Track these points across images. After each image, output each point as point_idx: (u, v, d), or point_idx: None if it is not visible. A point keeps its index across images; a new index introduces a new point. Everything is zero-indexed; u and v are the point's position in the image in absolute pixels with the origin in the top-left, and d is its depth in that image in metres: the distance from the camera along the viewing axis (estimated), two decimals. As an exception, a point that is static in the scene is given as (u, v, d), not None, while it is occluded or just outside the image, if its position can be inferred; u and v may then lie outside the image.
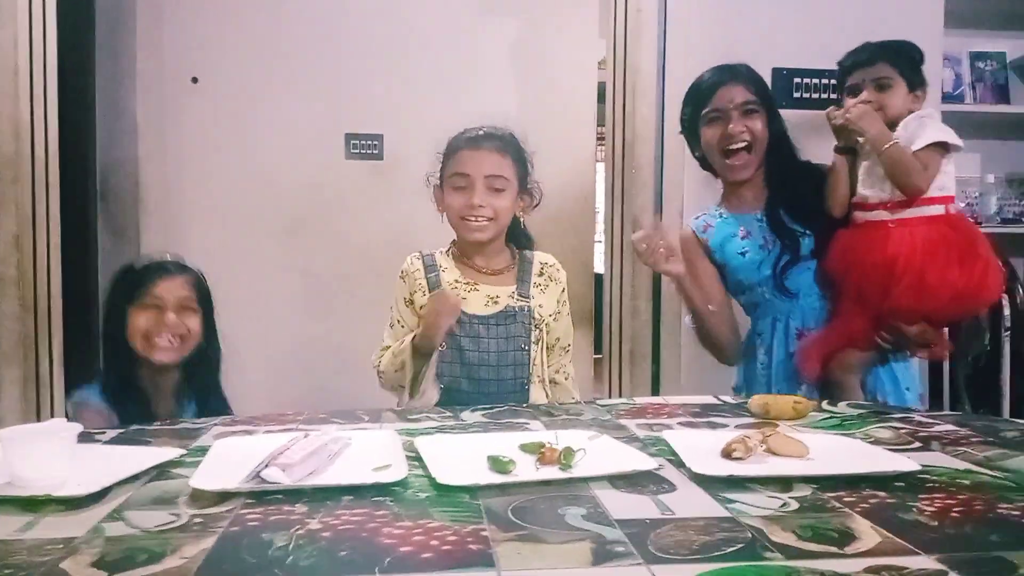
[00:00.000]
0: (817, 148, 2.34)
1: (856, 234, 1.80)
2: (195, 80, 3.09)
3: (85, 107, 2.93)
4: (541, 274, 1.74)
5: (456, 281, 1.67)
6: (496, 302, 1.66)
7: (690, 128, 1.97)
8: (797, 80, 2.36)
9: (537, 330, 1.68)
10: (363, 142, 3.19)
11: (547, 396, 1.71)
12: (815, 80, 2.36)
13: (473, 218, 1.64)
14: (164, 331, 1.62)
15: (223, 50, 3.08)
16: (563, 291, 1.76)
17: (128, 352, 1.63)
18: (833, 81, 2.33)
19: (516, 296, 1.68)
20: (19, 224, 2.18)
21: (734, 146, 1.87)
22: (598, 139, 3.38)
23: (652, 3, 2.31)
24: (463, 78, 3.17)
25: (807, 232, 1.87)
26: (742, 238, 1.92)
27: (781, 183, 1.92)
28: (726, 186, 1.99)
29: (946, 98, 2.49)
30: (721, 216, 1.97)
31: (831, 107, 1.85)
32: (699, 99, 1.92)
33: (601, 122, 2.98)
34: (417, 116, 3.14)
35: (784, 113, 2.34)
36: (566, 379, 1.77)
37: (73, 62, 2.65)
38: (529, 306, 1.68)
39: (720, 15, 2.34)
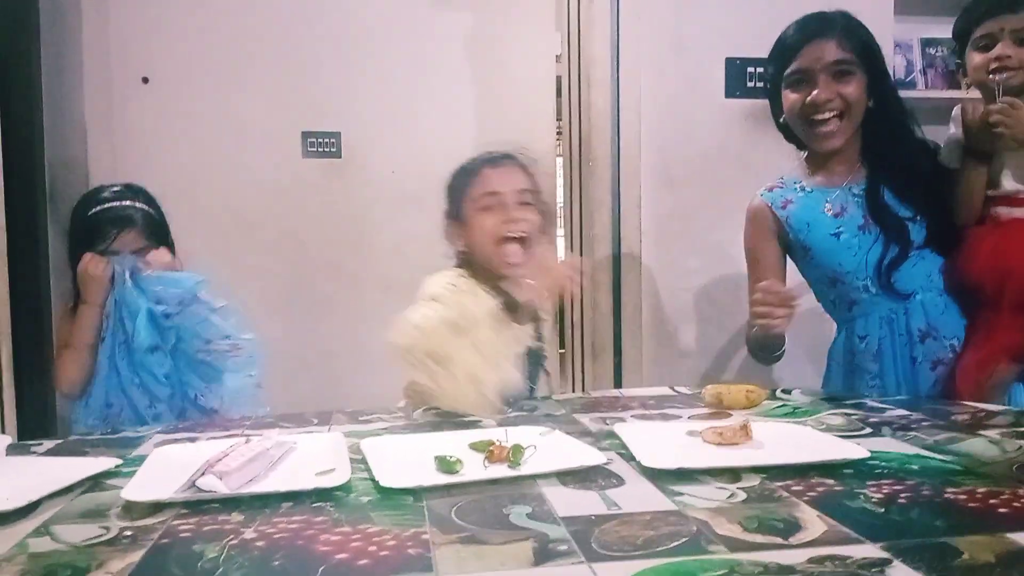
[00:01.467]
0: (767, 138, 2.36)
1: (1004, 234, 1.53)
2: (146, 80, 3.02)
3: (30, 107, 2.85)
4: (541, 309, 1.60)
5: None
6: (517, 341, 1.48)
7: (772, 90, 1.70)
8: (751, 69, 2.36)
9: (541, 368, 1.60)
10: (320, 140, 3.14)
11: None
12: (763, 76, 2.36)
13: (513, 238, 1.46)
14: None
15: (173, 49, 3.01)
16: None
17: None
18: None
19: (535, 336, 1.55)
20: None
21: (821, 115, 1.59)
22: (557, 133, 3.37)
23: (605, -6, 2.30)
24: (420, 73, 3.14)
25: (917, 217, 1.58)
26: (834, 215, 1.63)
27: (883, 156, 1.62)
28: (810, 155, 1.72)
29: (898, 84, 2.51)
30: (804, 190, 1.69)
31: (958, 105, 1.59)
32: (782, 57, 1.64)
33: (559, 116, 2.97)
34: (375, 112, 3.10)
35: (736, 103, 2.37)
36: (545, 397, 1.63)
37: (16, 60, 2.58)
38: (543, 347, 1.58)
39: (673, 5, 2.34)
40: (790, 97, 1.63)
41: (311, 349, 3.06)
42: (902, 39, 2.57)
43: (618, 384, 2.35)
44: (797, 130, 1.67)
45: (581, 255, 2.40)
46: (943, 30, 2.72)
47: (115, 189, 1.78)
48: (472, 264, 1.51)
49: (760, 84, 2.34)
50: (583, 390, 2.41)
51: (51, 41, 2.93)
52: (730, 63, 2.35)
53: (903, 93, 2.48)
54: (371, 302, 3.13)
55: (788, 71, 1.62)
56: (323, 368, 3.09)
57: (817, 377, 2.37)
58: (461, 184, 1.54)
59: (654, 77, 2.33)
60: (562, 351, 2.94)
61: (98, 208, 1.71)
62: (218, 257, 3.02)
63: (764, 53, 2.34)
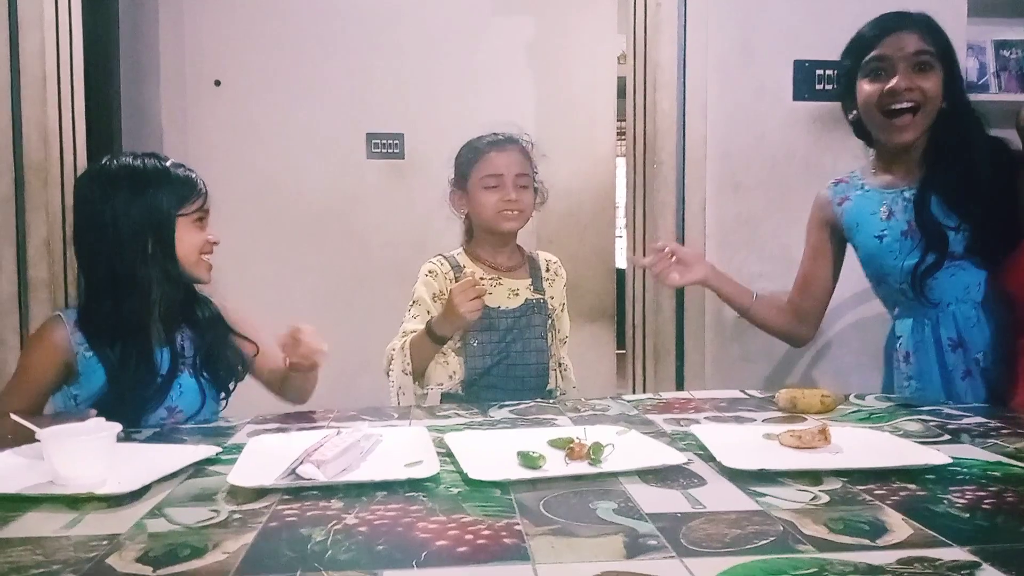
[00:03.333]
0: (835, 142, 2.34)
1: None
2: (218, 83, 3.13)
3: (110, 111, 2.98)
4: (547, 270, 1.87)
5: (481, 277, 1.74)
6: (517, 295, 1.78)
7: (847, 84, 1.68)
8: (819, 72, 2.34)
9: (550, 319, 1.82)
10: (384, 141, 3.21)
11: (559, 380, 1.84)
12: (837, 72, 2.34)
13: (509, 211, 1.73)
14: (210, 246, 1.49)
15: (244, 53, 3.11)
16: (564, 286, 1.89)
17: (170, 271, 1.43)
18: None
19: (532, 289, 1.80)
20: (49, 228, 2.22)
21: (898, 105, 1.57)
22: (618, 134, 3.38)
23: (672, -2, 2.30)
24: (482, 76, 3.19)
25: (961, 227, 1.56)
26: (884, 218, 1.65)
27: (946, 161, 1.59)
28: (877, 153, 1.71)
29: (971, 88, 2.46)
30: (863, 188, 1.70)
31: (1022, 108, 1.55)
32: (861, 47, 1.63)
33: (621, 117, 2.98)
34: (437, 115, 3.15)
35: (804, 106, 2.35)
36: (565, 369, 1.87)
37: (98, 67, 2.69)
38: (544, 298, 1.81)
39: (741, 7, 2.33)
40: (866, 88, 1.61)
41: (372, 348, 3.12)
42: (975, 41, 2.52)
43: (680, 387, 2.35)
44: (870, 123, 1.65)
45: (644, 256, 2.41)
46: (1017, 32, 2.67)
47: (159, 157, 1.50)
48: (474, 227, 1.82)
49: (830, 87, 2.32)
50: (644, 391, 2.42)
51: (130, 48, 3.05)
52: (799, 65, 2.34)
53: (976, 96, 2.45)
54: (433, 301, 3.19)
55: (867, 59, 1.61)
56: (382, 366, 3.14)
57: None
58: (469, 160, 1.78)
59: (721, 80, 2.33)
60: (621, 352, 2.96)
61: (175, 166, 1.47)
62: (283, 255, 3.11)
63: (833, 55, 2.33)
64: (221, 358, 1.53)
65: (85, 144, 2.39)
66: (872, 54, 1.60)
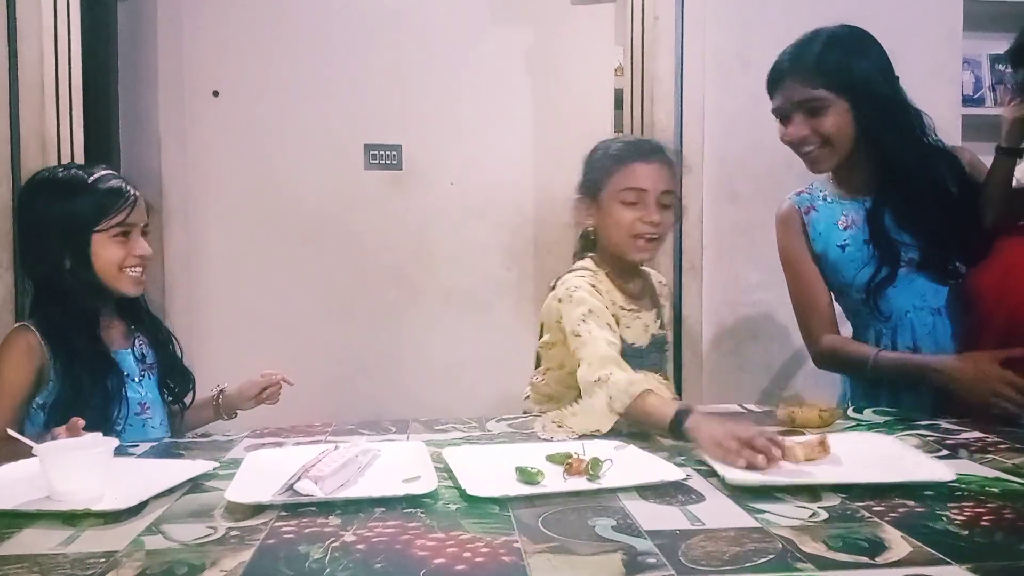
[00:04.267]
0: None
1: (1010, 249, 1.52)
2: (216, 93, 3.13)
3: (108, 120, 2.98)
4: (662, 295, 1.65)
5: (621, 307, 1.51)
6: (647, 329, 1.54)
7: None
8: (815, 84, 2.35)
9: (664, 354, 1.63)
10: (382, 152, 3.22)
11: None
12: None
13: (647, 236, 1.48)
14: (135, 260, 1.47)
15: (243, 63, 3.11)
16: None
17: (89, 282, 1.43)
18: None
19: (659, 324, 1.58)
20: (46, 237, 2.21)
21: (803, 148, 1.62)
22: (615, 145, 3.39)
23: (669, 11, 2.31)
24: (480, 87, 3.19)
25: (914, 243, 1.58)
26: (844, 228, 1.65)
27: (889, 174, 1.60)
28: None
29: (966, 101, 2.48)
30: (825, 199, 1.70)
31: (1013, 102, 1.55)
32: (769, 92, 1.66)
33: (618, 128, 2.99)
34: (435, 126, 3.16)
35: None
36: None
37: (96, 76, 2.69)
38: (664, 334, 1.61)
39: (737, 20, 2.35)
40: (780, 128, 1.66)
41: (372, 356, 3.12)
42: (971, 55, 2.54)
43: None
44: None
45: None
46: (1013, 45, 2.69)
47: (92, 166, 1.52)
48: (597, 242, 1.56)
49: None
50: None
51: (128, 57, 3.05)
52: (795, 79, 2.35)
53: (971, 110, 2.46)
54: (431, 311, 3.18)
55: (772, 109, 1.65)
56: (383, 374, 3.15)
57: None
58: (605, 167, 1.52)
59: (718, 93, 2.34)
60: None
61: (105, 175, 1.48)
62: (280, 265, 3.11)
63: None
64: (177, 367, 1.59)
65: (83, 153, 2.39)
66: (773, 105, 1.64)
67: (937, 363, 1.50)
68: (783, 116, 1.63)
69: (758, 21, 2.35)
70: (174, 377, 1.59)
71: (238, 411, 1.67)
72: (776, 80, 1.62)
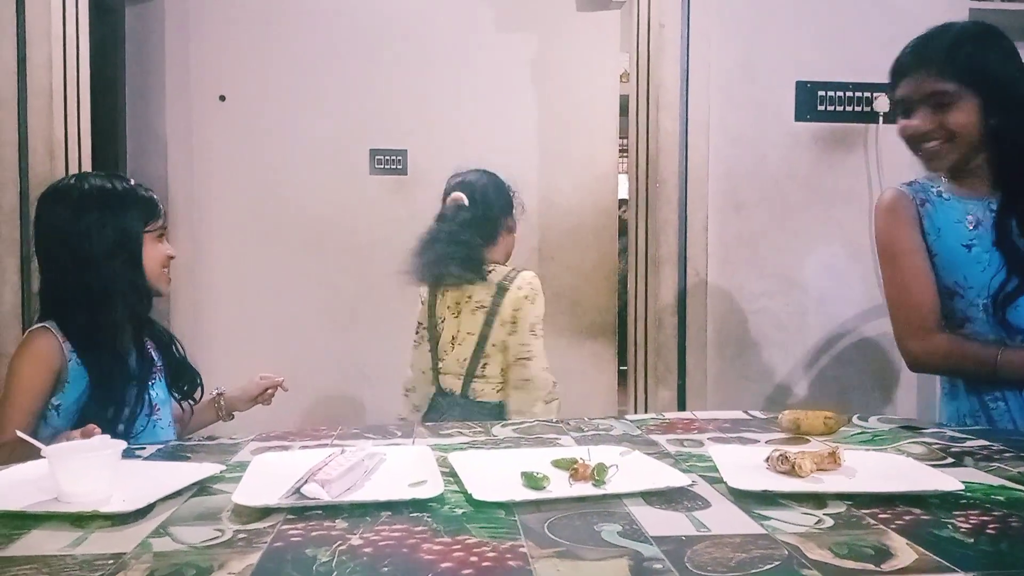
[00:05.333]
0: (837, 162, 2.35)
1: None
2: (222, 98, 3.15)
3: (115, 125, 2.99)
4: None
5: None
6: None
7: (894, 110, 1.66)
8: (821, 93, 2.36)
9: None
10: (387, 157, 3.23)
11: None
12: (839, 93, 2.36)
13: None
14: (168, 260, 1.59)
15: (249, 69, 3.13)
16: None
17: (138, 284, 1.52)
18: (858, 94, 2.34)
19: None
20: (53, 241, 2.22)
21: (925, 144, 1.55)
22: (620, 151, 3.40)
23: (675, 18, 2.33)
24: (485, 93, 3.21)
25: None
26: (971, 227, 1.55)
27: (1013, 178, 1.54)
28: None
29: None
30: (940, 195, 1.59)
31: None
32: (892, 83, 1.60)
33: (623, 134, 3.00)
34: (440, 131, 3.18)
35: (806, 127, 2.37)
36: None
37: (104, 81, 2.71)
38: None
39: (743, 28, 2.36)
40: (899, 122, 1.59)
41: (376, 361, 3.13)
42: None
43: (681, 406, 2.35)
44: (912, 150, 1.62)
45: (646, 275, 2.42)
46: (1022, 51, 2.70)
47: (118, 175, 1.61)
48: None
49: (831, 108, 2.35)
50: (645, 410, 2.42)
51: (136, 62, 3.07)
52: (800, 86, 2.36)
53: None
54: (435, 317, 3.20)
55: (894, 99, 1.60)
56: (387, 380, 3.14)
57: (884, 403, 2.35)
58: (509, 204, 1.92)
59: (723, 101, 2.35)
60: (623, 368, 2.96)
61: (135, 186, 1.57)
62: (285, 269, 3.12)
63: (835, 76, 2.37)
64: (184, 366, 1.65)
65: (91, 157, 2.40)
66: (896, 96, 1.58)
67: None
68: (906, 108, 1.56)
69: (764, 30, 2.36)
70: (183, 376, 1.65)
71: (236, 412, 1.75)
72: (902, 70, 1.56)
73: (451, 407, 1.97)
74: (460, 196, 2.01)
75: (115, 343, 1.49)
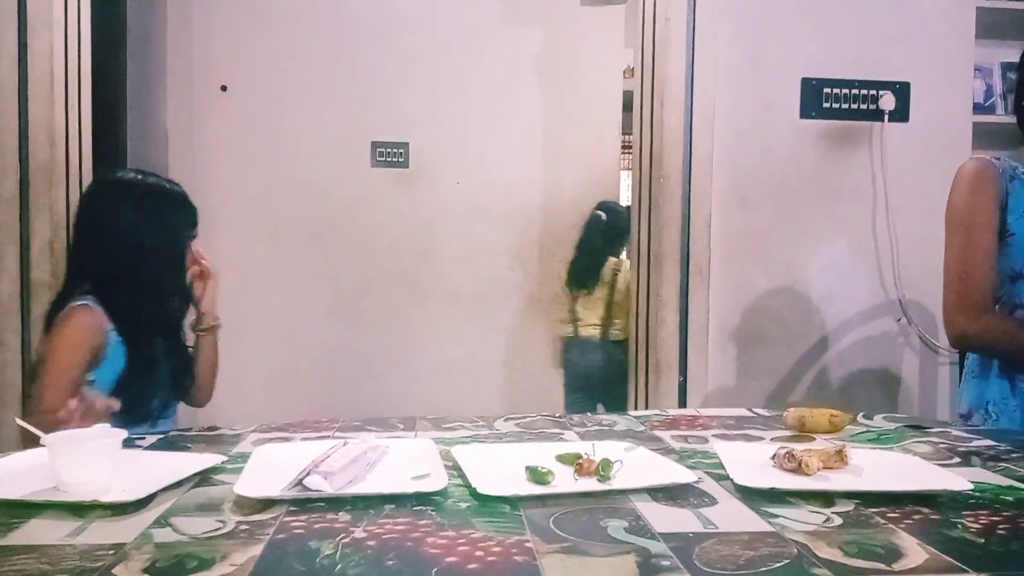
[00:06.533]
0: (843, 158, 2.34)
1: None
2: (224, 88, 3.13)
3: (117, 113, 2.98)
4: None
5: None
6: None
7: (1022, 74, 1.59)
8: (827, 90, 2.35)
9: None
10: (389, 150, 3.21)
11: None
12: (844, 90, 2.35)
13: None
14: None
15: (251, 59, 3.12)
16: None
17: (179, 283, 1.65)
18: (863, 91, 2.33)
19: None
20: (53, 229, 2.21)
21: None
22: (623, 147, 3.39)
23: (681, 13, 2.31)
24: (488, 86, 3.20)
25: None
26: None
27: None
28: None
29: (977, 109, 2.47)
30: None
31: None
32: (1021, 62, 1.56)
33: (627, 130, 2.99)
34: (443, 124, 3.16)
35: (811, 124, 2.36)
36: None
37: (105, 69, 2.69)
38: None
39: (749, 24, 2.34)
40: None
41: (377, 354, 3.12)
42: (983, 63, 2.53)
43: (682, 403, 2.34)
44: None
45: (648, 271, 2.41)
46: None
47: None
48: None
49: (837, 105, 2.34)
50: (646, 407, 2.41)
51: (138, 51, 3.06)
52: (806, 83, 2.34)
53: (982, 118, 2.46)
54: (436, 310, 3.19)
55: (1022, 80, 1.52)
56: (388, 373, 3.14)
57: (887, 403, 2.34)
58: None
59: (728, 97, 2.33)
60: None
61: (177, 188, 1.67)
62: (287, 262, 3.11)
63: (841, 73, 2.36)
64: (189, 368, 1.72)
65: (91, 146, 2.38)
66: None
67: None
68: None
69: (770, 26, 2.34)
70: (186, 376, 1.70)
71: (206, 314, 1.76)
72: None
73: None
74: None
75: (159, 326, 1.60)
